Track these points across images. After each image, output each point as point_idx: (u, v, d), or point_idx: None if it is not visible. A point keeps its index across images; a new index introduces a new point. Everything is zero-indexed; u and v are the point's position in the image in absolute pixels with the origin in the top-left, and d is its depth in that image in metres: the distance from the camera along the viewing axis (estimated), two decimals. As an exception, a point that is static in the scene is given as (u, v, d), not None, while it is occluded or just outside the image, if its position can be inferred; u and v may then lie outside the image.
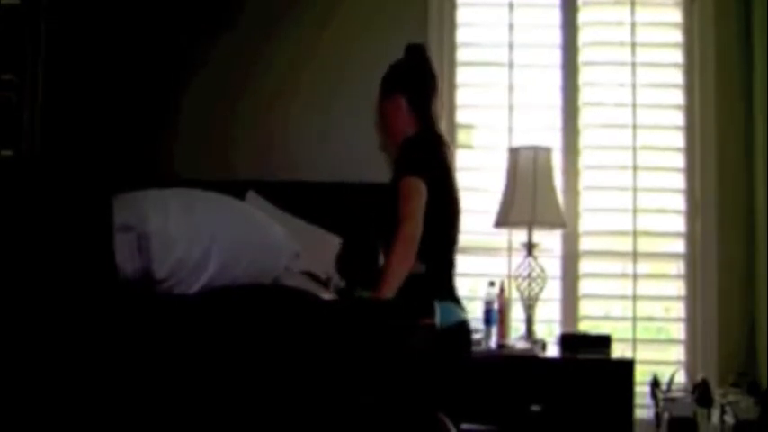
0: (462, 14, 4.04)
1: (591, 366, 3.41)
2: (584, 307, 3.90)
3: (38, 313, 1.87)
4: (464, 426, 2.75)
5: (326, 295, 2.56)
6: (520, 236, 3.75)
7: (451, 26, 4.02)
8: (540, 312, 3.76)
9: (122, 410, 1.82)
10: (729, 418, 3.41)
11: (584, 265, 3.92)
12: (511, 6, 4.01)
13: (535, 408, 3.31)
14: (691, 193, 3.92)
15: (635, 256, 3.89)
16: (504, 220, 3.71)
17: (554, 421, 3.31)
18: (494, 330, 3.63)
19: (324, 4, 4.05)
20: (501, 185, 3.75)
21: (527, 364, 3.44)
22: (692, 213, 3.91)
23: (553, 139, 3.92)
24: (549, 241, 3.89)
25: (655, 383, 3.59)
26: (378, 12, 4.02)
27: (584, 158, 3.97)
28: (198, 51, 4.01)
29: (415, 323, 1.91)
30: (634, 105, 3.95)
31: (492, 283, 3.69)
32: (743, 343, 3.79)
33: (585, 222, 3.94)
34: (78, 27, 3.87)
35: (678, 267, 3.94)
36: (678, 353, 3.86)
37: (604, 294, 3.95)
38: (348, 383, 1.84)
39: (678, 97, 3.98)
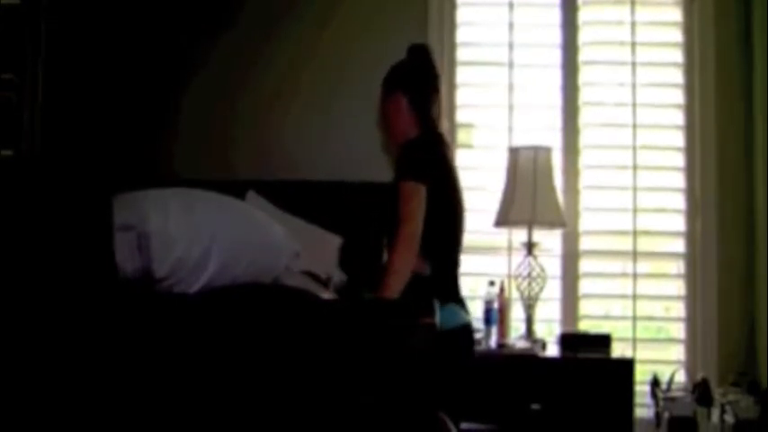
0: (462, 14, 4.04)
1: (591, 366, 3.41)
2: (584, 306, 3.90)
3: (38, 312, 1.87)
4: (464, 425, 2.74)
5: (326, 295, 2.56)
6: (520, 235, 3.75)
7: (451, 26, 4.02)
8: (540, 312, 3.76)
9: (122, 410, 1.82)
10: (729, 418, 3.42)
11: (584, 265, 3.92)
12: (511, 6, 4.01)
13: (535, 407, 3.31)
14: (691, 193, 3.92)
15: (635, 255, 3.89)
16: (504, 220, 3.71)
17: (554, 421, 3.31)
18: (494, 330, 3.63)
19: (324, 3, 4.05)
20: (501, 185, 3.75)
21: (527, 363, 3.44)
22: (692, 213, 3.91)
23: (553, 139, 3.92)
24: (549, 241, 3.89)
25: (655, 383, 3.60)
26: (378, 12, 4.02)
27: (584, 158, 3.97)
28: (198, 51, 4.01)
29: (415, 323, 1.91)
30: (634, 105, 3.95)
31: (492, 283, 3.69)
32: (743, 342, 3.79)
33: (585, 222, 3.94)
34: (78, 27, 3.87)
35: (678, 267, 3.94)
36: (678, 352, 3.86)
37: (604, 294, 3.95)
38: (348, 383, 1.84)
39: (678, 97, 3.98)
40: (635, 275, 3.88)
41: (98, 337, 1.85)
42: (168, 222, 1.95)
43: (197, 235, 1.97)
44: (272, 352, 1.84)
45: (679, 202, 3.94)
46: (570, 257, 3.92)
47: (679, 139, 3.97)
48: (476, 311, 3.60)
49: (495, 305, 3.65)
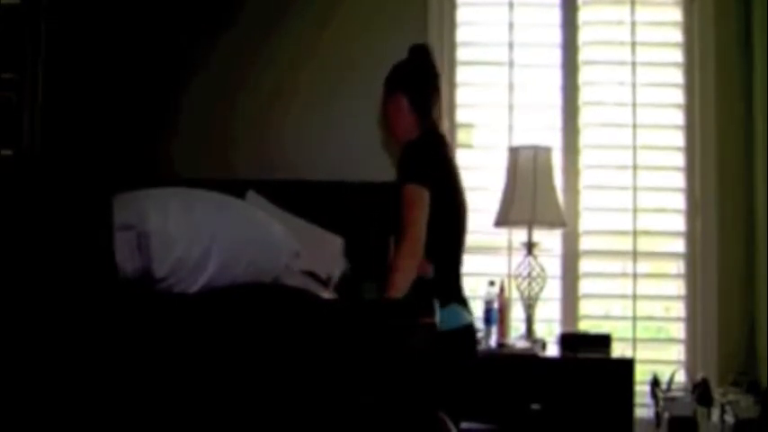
0: (462, 13, 4.04)
1: (591, 366, 3.41)
2: (584, 306, 3.90)
3: (38, 312, 1.87)
4: (464, 425, 2.74)
5: (326, 294, 2.56)
6: (520, 235, 3.75)
7: (451, 25, 4.02)
8: (540, 312, 3.76)
9: (122, 409, 1.82)
10: (729, 418, 3.42)
11: (585, 265, 3.92)
12: (511, 5, 4.01)
13: (535, 407, 3.31)
14: (691, 193, 3.92)
15: (635, 255, 3.89)
16: (504, 220, 3.71)
17: (554, 420, 3.31)
18: (494, 330, 3.63)
19: (324, 3, 4.05)
20: (501, 185, 3.76)
21: (527, 363, 3.44)
22: (692, 213, 3.91)
23: (553, 139, 3.92)
24: (549, 240, 3.89)
25: (655, 383, 3.60)
26: (378, 11, 4.02)
27: (584, 158, 3.97)
28: (198, 51, 4.01)
29: (415, 323, 1.91)
30: (634, 104, 3.95)
31: (492, 283, 3.69)
32: (743, 342, 3.79)
33: (585, 222, 3.94)
34: (78, 27, 3.87)
35: (678, 267, 3.94)
36: (678, 352, 3.86)
37: (604, 294, 3.95)
38: (348, 383, 1.84)
39: (678, 96, 3.98)
40: (635, 275, 3.88)
41: (98, 337, 1.85)
42: (168, 222, 1.95)
43: (197, 235, 1.97)
44: (272, 352, 1.84)
45: (679, 202, 3.94)
46: (570, 257, 3.92)
47: (679, 138, 3.97)
48: (476, 311, 3.59)
49: (495, 305, 3.65)
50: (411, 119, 3.03)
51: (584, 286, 3.90)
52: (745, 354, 3.77)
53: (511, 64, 3.99)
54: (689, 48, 3.97)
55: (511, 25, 4.00)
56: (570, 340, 3.53)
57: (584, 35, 4.01)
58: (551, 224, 3.74)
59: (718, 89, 3.92)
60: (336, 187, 3.68)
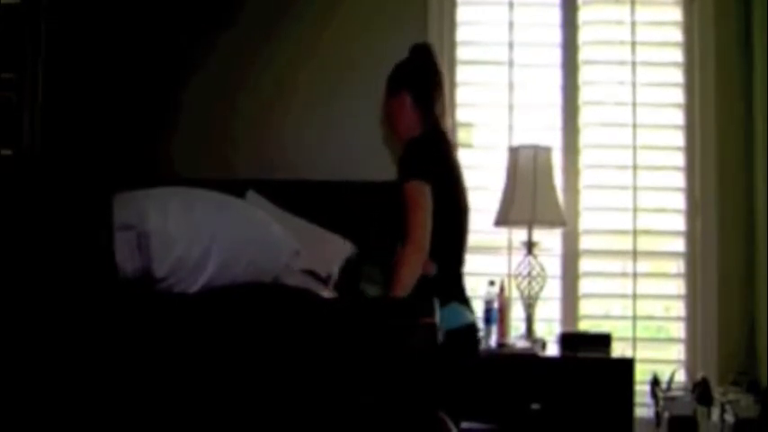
0: (462, 13, 4.04)
1: (591, 365, 3.41)
2: (584, 306, 3.90)
3: (38, 312, 1.87)
4: (464, 424, 2.74)
5: (326, 293, 2.56)
6: (520, 235, 3.75)
7: (451, 25, 4.02)
8: (540, 311, 3.76)
9: (122, 409, 1.82)
10: (729, 417, 3.42)
11: (585, 264, 3.92)
12: (511, 5, 4.01)
13: (535, 407, 3.31)
14: (691, 192, 3.92)
15: (635, 254, 3.89)
16: (504, 219, 3.71)
17: (554, 420, 3.31)
18: (494, 329, 3.63)
19: (324, 3, 4.05)
20: (501, 184, 3.76)
21: (527, 362, 3.44)
22: (692, 212, 3.91)
23: (553, 138, 3.92)
24: (549, 240, 3.89)
25: (655, 382, 3.60)
26: (378, 11, 4.02)
27: (584, 157, 3.97)
28: (198, 51, 4.01)
29: (415, 322, 1.91)
30: (634, 104, 3.95)
31: (492, 282, 3.69)
32: (743, 342, 3.79)
33: (585, 221, 3.94)
34: (78, 27, 3.87)
35: (678, 266, 3.94)
36: (678, 352, 3.86)
37: (604, 293, 3.95)
38: (348, 383, 1.84)
39: (678, 96, 3.98)
40: (635, 275, 3.88)
41: (98, 337, 1.85)
42: (168, 222, 1.95)
43: (197, 234, 1.97)
44: (272, 351, 1.84)
45: (679, 201, 3.94)
46: (570, 257, 3.92)
47: (679, 138, 3.97)
48: (476, 311, 3.60)
49: (495, 305, 3.65)
50: (414, 116, 3.05)
51: (584, 286, 3.90)
52: (745, 353, 3.77)
53: (511, 63, 3.99)
54: (689, 47, 3.97)
55: (511, 25, 4.00)
56: (570, 340, 3.53)
57: (584, 35, 4.01)
58: (551, 224, 3.74)
59: (718, 89, 3.92)
60: (336, 187, 3.68)
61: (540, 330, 3.75)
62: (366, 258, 3.21)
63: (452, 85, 3.97)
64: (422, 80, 3.08)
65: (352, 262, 3.12)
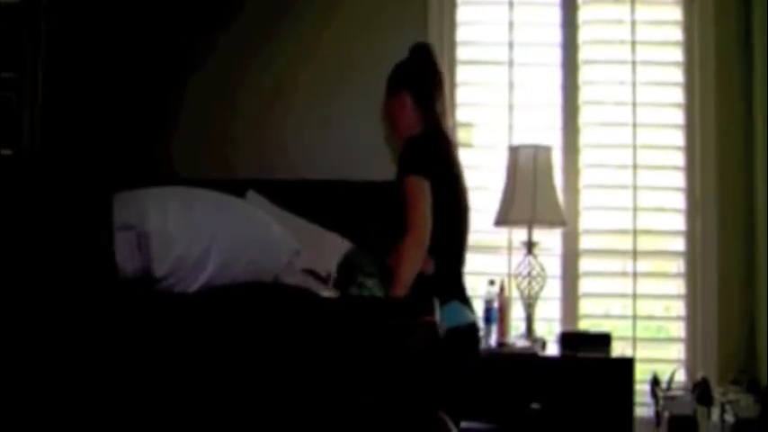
0: (462, 13, 4.04)
1: (591, 365, 3.41)
2: (584, 305, 3.90)
3: (38, 312, 1.87)
4: (464, 424, 2.74)
5: (326, 292, 2.56)
6: (520, 234, 3.75)
7: (451, 24, 4.02)
8: (540, 311, 3.76)
9: (123, 409, 1.82)
10: (729, 417, 3.42)
11: (585, 264, 3.92)
12: (511, 5, 4.01)
13: (535, 406, 3.31)
14: (691, 192, 3.92)
15: (635, 254, 3.89)
16: (504, 219, 3.71)
17: (554, 420, 3.31)
18: (494, 329, 3.63)
19: (324, 3, 4.05)
20: (501, 184, 3.75)
21: (527, 362, 3.44)
22: (692, 212, 3.91)
23: (553, 138, 3.92)
24: (549, 240, 3.89)
25: (655, 382, 3.60)
26: (378, 11, 4.02)
27: (584, 157, 3.97)
28: (197, 50, 4.01)
29: (415, 322, 1.91)
30: (634, 104, 3.95)
31: (492, 282, 3.70)
32: (743, 341, 3.79)
33: (585, 221, 3.94)
34: (78, 27, 3.87)
35: (678, 266, 3.94)
36: (678, 351, 3.86)
37: (604, 293, 3.95)
38: (348, 383, 1.84)
39: (678, 96, 3.98)
40: (635, 274, 3.88)
41: (98, 337, 1.85)
42: (168, 221, 1.95)
43: (197, 234, 1.97)
44: (272, 351, 1.84)
45: (679, 201, 3.94)
46: (570, 256, 3.92)
47: (679, 138, 3.97)
48: (476, 310, 3.60)
49: (495, 304, 3.65)
50: (414, 115, 3.06)
51: (584, 285, 3.90)
52: (745, 353, 3.77)
53: (511, 63, 3.99)
54: (689, 47, 3.97)
55: (511, 24, 4.00)
56: (570, 339, 3.53)
57: (584, 34, 4.01)
58: (551, 223, 3.74)
59: (718, 88, 3.92)
60: (336, 187, 3.68)
61: (540, 330, 3.75)
62: (362, 252, 3.21)
63: (452, 85, 3.97)
64: (422, 80, 3.09)
65: (348, 257, 3.12)
